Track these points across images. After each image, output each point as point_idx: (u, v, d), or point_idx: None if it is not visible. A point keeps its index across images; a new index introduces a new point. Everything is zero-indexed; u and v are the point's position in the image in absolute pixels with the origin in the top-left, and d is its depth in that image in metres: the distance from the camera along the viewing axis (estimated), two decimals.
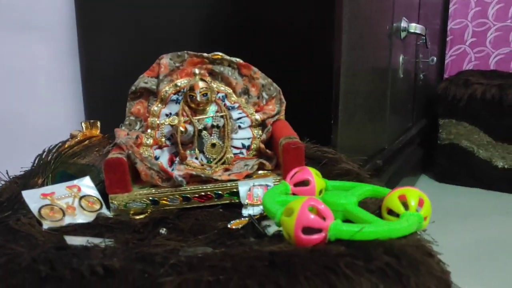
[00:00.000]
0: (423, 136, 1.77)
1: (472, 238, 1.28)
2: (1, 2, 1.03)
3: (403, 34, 1.35)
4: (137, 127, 0.70)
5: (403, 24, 1.34)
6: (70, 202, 0.56)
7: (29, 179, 0.58)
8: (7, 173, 0.63)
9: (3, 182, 0.64)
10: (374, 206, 0.53)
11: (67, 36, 1.22)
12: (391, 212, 0.50)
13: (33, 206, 0.54)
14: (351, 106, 1.05)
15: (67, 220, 0.55)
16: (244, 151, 0.69)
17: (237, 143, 0.69)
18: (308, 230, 0.43)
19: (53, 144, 0.65)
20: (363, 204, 0.53)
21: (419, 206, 0.49)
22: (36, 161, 0.63)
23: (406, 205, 0.48)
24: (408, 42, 1.45)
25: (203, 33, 1.07)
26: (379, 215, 0.50)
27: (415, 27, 1.36)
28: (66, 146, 0.66)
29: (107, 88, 1.21)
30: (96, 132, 0.73)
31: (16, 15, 1.08)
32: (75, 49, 1.23)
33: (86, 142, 0.68)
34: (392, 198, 0.49)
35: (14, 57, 1.09)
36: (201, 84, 0.64)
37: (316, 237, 0.43)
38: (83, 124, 0.73)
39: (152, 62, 0.72)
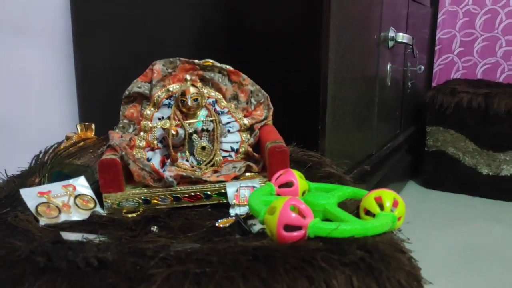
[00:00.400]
0: (411, 143, 1.81)
1: (457, 243, 1.31)
2: None
3: (390, 43, 1.39)
4: (130, 130, 0.73)
5: (391, 33, 1.38)
6: (65, 201, 0.59)
7: (26, 178, 0.61)
8: (5, 172, 0.65)
9: (1, 181, 0.67)
10: (352, 207, 0.56)
11: (62, 40, 1.24)
12: (368, 212, 0.53)
13: (31, 204, 0.57)
14: (339, 113, 1.08)
15: (63, 218, 0.58)
16: (233, 154, 0.72)
17: (226, 146, 0.72)
18: (289, 227, 0.47)
19: (50, 145, 0.68)
20: (343, 204, 0.56)
21: (393, 207, 0.52)
22: (33, 161, 0.66)
23: (381, 206, 0.52)
24: (396, 51, 1.49)
25: (194, 40, 1.10)
26: (357, 215, 0.53)
27: (402, 37, 1.41)
28: (62, 147, 0.68)
29: (101, 91, 1.24)
30: (91, 134, 0.75)
31: (12, 19, 1.10)
32: (70, 53, 1.25)
33: (81, 143, 0.70)
34: (369, 199, 0.52)
35: (10, 60, 1.11)
36: (192, 90, 0.67)
37: (296, 234, 0.47)
38: (78, 126, 0.76)
39: (144, 67, 0.75)
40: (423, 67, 1.69)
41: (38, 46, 1.18)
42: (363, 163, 1.31)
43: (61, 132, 1.25)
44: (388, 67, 1.43)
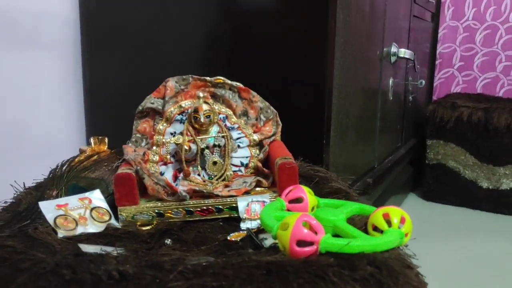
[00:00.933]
0: (412, 155, 1.83)
1: (458, 256, 1.33)
2: (10, 21, 1.08)
3: (393, 59, 1.42)
4: (143, 144, 0.75)
5: (393, 49, 1.41)
6: (82, 213, 0.61)
7: (44, 191, 0.63)
8: (24, 185, 0.67)
9: (16, 192, 0.68)
10: (360, 223, 0.58)
11: (71, 53, 1.27)
12: (376, 228, 0.55)
13: (49, 216, 0.59)
14: (343, 127, 1.11)
15: (80, 230, 0.59)
16: (242, 168, 0.74)
17: (236, 161, 0.74)
18: (302, 243, 0.49)
19: (66, 159, 0.70)
20: (351, 220, 0.58)
21: (401, 223, 0.54)
22: (49, 174, 0.68)
23: (389, 223, 0.54)
24: (398, 65, 1.52)
25: (202, 54, 1.12)
26: (365, 231, 0.55)
27: (404, 52, 1.44)
28: (77, 160, 0.70)
29: (108, 103, 1.26)
30: (104, 147, 0.77)
31: (23, 33, 1.12)
32: (79, 67, 1.28)
33: (95, 157, 0.72)
34: (377, 215, 0.55)
35: (21, 73, 1.14)
36: (204, 107, 0.70)
37: (308, 249, 0.48)
38: (92, 139, 0.78)
39: (151, 80, 0.77)
40: (424, 81, 1.72)
41: (49, 60, 1.21)
42: (366, 176, 1.33)
43: (67, 142, 1.28)
44: (390, 81, 1.46)
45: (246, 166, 0.75)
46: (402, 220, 0.54)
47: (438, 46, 2.08)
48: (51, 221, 0.58)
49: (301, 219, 0.49)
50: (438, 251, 1.35)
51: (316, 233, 0.49)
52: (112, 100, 1.25)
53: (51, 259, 0.45)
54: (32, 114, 1.18)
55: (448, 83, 2.08)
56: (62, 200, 0.62)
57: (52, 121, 1.23)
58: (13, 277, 0.43)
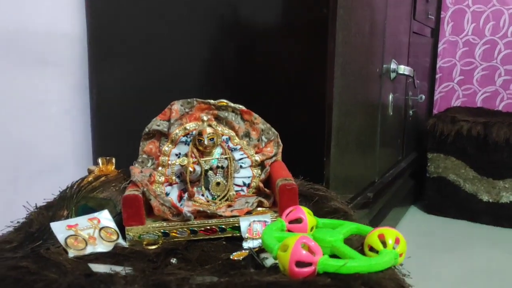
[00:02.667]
0: (413, 169, 1.85)
1: (458, 268, 1.34)
2: (18, 39, 1.12)
3: (392, 75, 1.45)
4: (149, 165, 0.78)
5: (393, 65, 1.44)
6: (91, 233, 0.64)
7: (56, 212, 0.66)
8: (36, 205, 0.70)
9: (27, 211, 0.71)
10: (357, 243, 0.61)
11: (79, 72, 1.30)
12: (372, 249, 0.58)
13: (60, 237, 0.61)
14: (343, 143, 1.14)
15: (89, 249, 0.62)
16: (244, 188, 0.77)
17: (239, 181, 0.77)
18: (300, 264, 0.51)
19: (75, 180, 0.73)
20: (349, 240, 0.61)
21: (395, 244, 0.57)
22: (60, 194, 0.71)
23: (384, 243, 0.56)
24: (398, 80, 1.55)
25: (205, 73, 1.15)
26: (362, 251, 0.58)
27: (404, 69, 1.47)
28: (86, 181, 0.73)
29: (114, 121, 1.29)
30: (112, 167, 0.80)
31: (31, 52, 1.16)
32: (86, 84, 1.31)
33: (103, 177, 0.75)
34: (373, 236, 0.57)
35: (28, 90, 1.16)
36: (208, 130, 0.73)
37: (307, 270, 0.51)
38: (99, 160, 0.81)
39: (157, 98, 0.80)
40: (424, 96, 1.74)
41: (55, 76, 1.24)
42: (366, 190, 1.35)
43: (75, 160, 1.31)
44: (390, 97, 1.49)
45: (248, 186, 0.77)
46: (397, 241, 0.57)
47: (438, 60, 2.11)
48: (62, 242, 0.61)
49: (300, 241, 0.52)
50: (439, 263, 1.36)
51: (314, 254, 0.52)
52: (119, 118, 1.28)
53: (63, 280, 0.48)
54: (40, 132, 1.21)
55: (448, 96, 2.11)
56: (72, 221, 0.65)
57: (59, 138, 1.27)
58: None
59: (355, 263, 0.51)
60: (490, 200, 1.70)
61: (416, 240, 1.52)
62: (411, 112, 1.74)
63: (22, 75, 1.14)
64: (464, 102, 2.08)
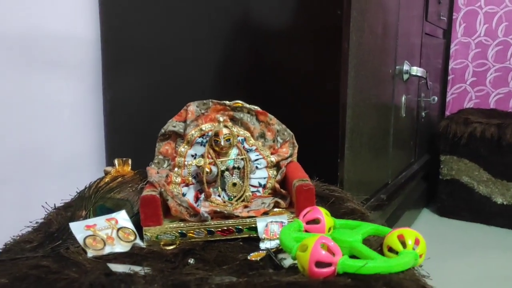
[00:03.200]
0: (425, 171, 1.84)
1: (473, 272, 1.33)
2: (34, 42, 1.13)
3: (405, 77, 1.44)
4: (165, 166, 0.78)
5: (406, 67, 1.44)
6: (109, 233, 0.64)
7: (74, 212, 0.66)
8: (54, 206, 0.71)
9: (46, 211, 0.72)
10: (376, 244, 0.60)
11: (93, 75, 1.31)
12: (391, 249, 0.57)
13: (79, 237, 0.62)
14: (357, 144, 1.13)
15: (107, 249, 0.63)
16: (260, 189, 0.77)
17: (254, 182, 0.77)
18: (320, 264, 0.51)
19: (92, 180, 0.74)
20: (367, 241, 0.61)
21: (415, 244, 0.56)
22: (77, 195, 0.71)
23: (404, 244, 0.56)
24: (410, 82, 1.54)
25: (219, 75, 1.16)
26: (381, 252, 0.57)
27: (417, 70, 1.46)
28: (102, 182, 0.74)
29: (127, 124, 1.30)
30: (128, 168, 0.81)
31: (46, 54, 1.17)
32: (100, 87, 1.32)
33: (120, 178, 0.76)
34: (392, 237, 0.57)
35: (43, 92, 1.18)
36: (225, 131, 0.73)
37: (326, 270, 0.51)
38: (116, 161, 0.81)
39: (171, 101, 0.80)
40: (436, 98, 1.73)
41: (70, 79, 1.25)
42: (380, 192, 1.35)
43: (89, 162, 1.32)
44: (403, 98, 1.48)
45: (264, 186, 0.77)
46: (417, 242, 0.56)
47: (450, 62, 2.10)
48: (81, 241, 0.61)
49: (319, 241, 0.52)
50: (452, 267, 1.35)
51: (334, 254, 0.51)
52: (132, 120, 1.29)
53: (85, 279, 0.48)
54: (54, 135, 1.22)
55: (460, 98, 2.10)
56: (90, 221, 0.65)
57: (73, 141, 1.28)
58: None
59: (375, 264, 0.51)
60: (505, 203, 1.68)
61: (429, 243, 1.50)
62: (423, 113, 1.73)
63: (38, 77, 1.16)
64: (477, 103, 2.06)
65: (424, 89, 1.71)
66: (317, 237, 0.52)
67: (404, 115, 1.50)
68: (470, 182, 1.74)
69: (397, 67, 1.39)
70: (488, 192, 1.71)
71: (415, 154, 1.74)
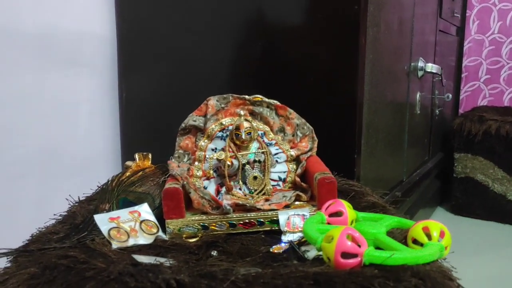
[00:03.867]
0: (439, 169, 1.83)
1: (487, 270, 1.32)
2: (50, 40, 1.14)
3: (420, 73, 1.44)
4: (185, 160, 0.79)
5: (420, 64, 1.43)
6: (133, 226, 0.65)
7: (98, 205, 0.67)
8: (78, 198, 0.72)
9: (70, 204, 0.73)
10: (400, 236, 0.60)
11: (109, 72, 1.33)
12: (415, 241, 0.57)
13: (103, 228, 0.62)
14: (372, 141, 1.13)
15: (131, 241, 0.63)
16: (280, 183, 0.77)
17: (274, 176, 0.77)
18: (346, 255, 0.51)
19: (115, 174, 0.74)
20: (390, 234, 0.60)
21: (440, 237, 0.56)
22: (100, 188, 0.72)
23: (429, 236, 0.56)
24: (425, 79, 1.54)
25: (235, 72, 1.16)
26: (405, 244, 0.57)
27: (431, 67, 1.45)
28: (124, 176, 0.74)
29: (142, 121, 1.31)
30: (148, 163, 0.81)
31: (63, 52, 1.18)
32: (115, 85, 1.33)
33: (141, 172, 0.76)
34: (417, 229, 0.57)
35: (59, 90, 1.19)
36: (246, 124, 0.73)
37: (353, 261, 0.51)
38: (136, 155, 0.82)
39: (186, 98, 0.80)
40: (450, 95, 1.72)
41: (86, 77, 1.26)
42: (395, 189, 1.34)
43: (105, 158, 1.33)
44: (418, 95, 1.47)
45: (284, 180, 0.78)
46: (442, 234, 0.56)
47: (463, 59, 2.08)
48: (105, 233, 0.62)
49: (345, 232, 0.52)
50: (467, 265, 1.34)
51: (359, 245, 0.51)
52: (147, 118, 1.30)
53: (113, 268, 0.49)
54: (71, 132, 1.23)
55: (474, 96, 2.08)
56: (114, 214, 0.66)
57: (90, 138, 1.29)
58: (81, 284, 0.47)
59: (402, 255, 0.51)
60: None
61: None
62: (437, 111, 1.72)
63: (53, 75, 1.17)
64: (490, 101, 2.05)
65: (438, 86, 1.70)
66: (343, 228, 0.52)
67: (418, 112, 1.49)
68: (485, 180, 1.73)
69: (412, 64, 1.39)
70: (503, 190, 1.70)
71: (429, 152, 1.73)
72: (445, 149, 1.91)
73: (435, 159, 1.79)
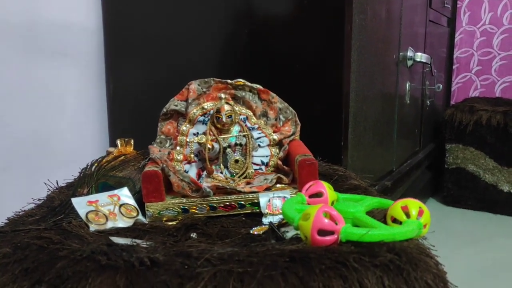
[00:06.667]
0: (430, 160, 1.83)
1: (479, 261, 1.32)
2: (37, 31, 1.13)
3: (409, 63, 1.43)
4: (167, 145, 0.78)
5: (409, 53, 1.43)
6: (111, 209, 0.64)
7: (76, 189, 0.66)
8: (57, 183, 0.71)
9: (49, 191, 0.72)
10: (380, 215, 0.60)
11: (95, 63, 1.32)
12: (395, 220, 0.57)
13: (81, 211, 0.62)
14: (360, 129, 1.12)
15: (110, 224, 0.62)
16: (263, 167, 0.77)
17: (257, 160, 0.77)
18: (323, 232, 0.51)
19: (95, 159, 0.74)
20: (370, 213, 0.60)
21: (419, 215, 0.55)
22: (80, 173, 0.71)
23: (408, 214, 0.55)
24: (415, 70, 1.53)
25: (220, 61, 1.16)
26: (384, 223, 0.57)
27: (421, 56, 1.45)
28: (105, 160, 0.74)
29: (130, 110, 1.30)
30: (130, 149, 0.81)
31: (49, 43, 1.17)
32: (102, 75, 1.32)
33: (122, 157, 0.76)
34: (396, 207, 0.56)
35: (45, 81, 1.18)
36: (226, 107, 0.73)
37: (329, 238, 0.50)
38: (118, 141, 0.81)
39: (172, 88, 0.80)
40: (441, 85, 1.72)
41: (73, 67, 1.25)
42: (384, 179, 1.34)
43: (92, 148, 1.32)
44: (407, 85, 1.47)
45: (267, 164, 0.77)
46: (420, 212, 0.56)
47: (455, 50, 2.08)
48: (83, 216, 0.61)
49: (321, 210, 0.51)
50: (459, 256, 1.34)
51: (336, 222, 0.51)
52: (134, 107, 1.29)
53: (87, 247, 0.48)
54: (58, 122, 1.22)
55: (466, 87, 2.08)
56: (92, 197, 0.65)
57: (77, 129, 1.28)
58: (53, 263, 0.46)
59: (379, 232, 0.50)
60: (511, 191, 1.67)
61: (435, 232, 1.49)
62: (428, 102, 1.72)
63: (40, 67, 1.16)
64: (482, 92, 2.05)
65: (428, 77, 1.70)
66: (320, 206, 0.52)
67: (408, 102, 1.49)
68: (476, 170, 1.73)
69: (401, 53, 1.38)
70: (495, 180, 1.70)
71: (420, 142, 1.73)
72: (437, 140, 1.91)
73: (426, 150, 1.79)
